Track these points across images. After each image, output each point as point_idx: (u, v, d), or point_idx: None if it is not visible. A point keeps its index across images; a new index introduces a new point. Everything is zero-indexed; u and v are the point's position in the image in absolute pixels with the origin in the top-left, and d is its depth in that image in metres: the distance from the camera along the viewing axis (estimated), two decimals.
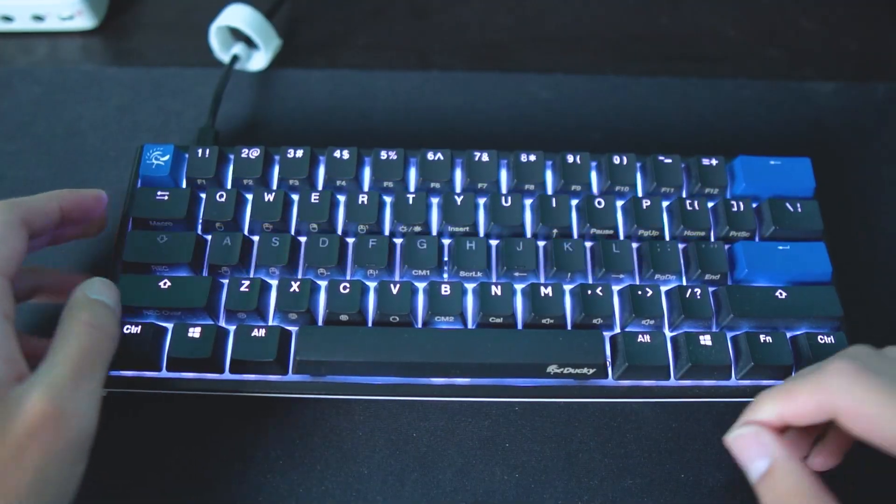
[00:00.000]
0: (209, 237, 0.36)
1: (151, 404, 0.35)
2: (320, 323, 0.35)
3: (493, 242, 0.37)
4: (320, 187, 0.38)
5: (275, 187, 0.38)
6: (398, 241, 0.37)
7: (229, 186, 0.38)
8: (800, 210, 0.38)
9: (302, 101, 0.46)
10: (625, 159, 0.39)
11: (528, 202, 0.39)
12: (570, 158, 0.39)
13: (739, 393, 0.35)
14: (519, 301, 0.36)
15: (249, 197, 0.38)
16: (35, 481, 0.24)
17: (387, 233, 0.37)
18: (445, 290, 0.35)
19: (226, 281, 0.35)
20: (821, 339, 0.35)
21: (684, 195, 0.39)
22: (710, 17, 0.51)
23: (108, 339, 0.29)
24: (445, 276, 0.36)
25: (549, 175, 0.39)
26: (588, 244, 0.37)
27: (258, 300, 0.34)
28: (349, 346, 0.33)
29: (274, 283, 0.36)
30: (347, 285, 0.35)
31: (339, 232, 0.37)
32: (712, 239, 0.38)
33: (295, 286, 0.35)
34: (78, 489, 0.26)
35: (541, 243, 0.37)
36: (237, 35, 0.46)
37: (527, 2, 0.52)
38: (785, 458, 0.26)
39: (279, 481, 0.34)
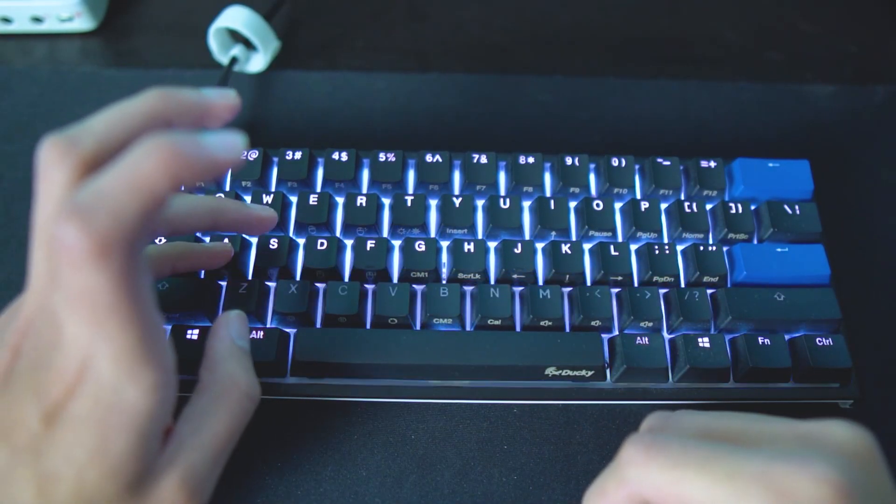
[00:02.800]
0: (207, 239, 0.36)
1: None
2: (318, 325, 0.35)
3: (492, 244, 0.37)
4: (318, 189, 0.38)
5: (273, 189, 0.38)
6: (396, 242, 0.37)
7: (227, 188, 0.38)
8: (798, 212, 0.38)
9: (300, 102, 0.46)
10: (623, 161, 0.39)
11: (526, 204, 0.39)
12: (569, 160, 0.39)
13: (737, 395, 0.35)
14: (517, 303, 0.35)
15: (247, 198, 0.38)
16: None
17: (385, 234, 0.37)
18: (444, 292, 0.35)
19: (224, 283, 0.35)
20: (819, 341, 0.35)
21: (683, 197, 0.39)
22: (709, 19, 0.51)
23: (253, 406, 0.28)
24: (444, 278, 0.36)
25: (547, 177, 0.39)
26: (586, 246, 0.37)
27: (256, 302, 0.34)
28: (347, 348, 0.33)
29: (272, 284, 0.35)
30: (345, 287, 0.35)
31: (338, 233, 0.37)
32: (711, 241, 0.38)
33: (293, 288, 0.35)
34: None
35: (539, 245, 0.37)
36: (236, 37, 0.46)
37: (526, 4, 0.52)
38: None
39: (277, 484, 0.34)
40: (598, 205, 0.38)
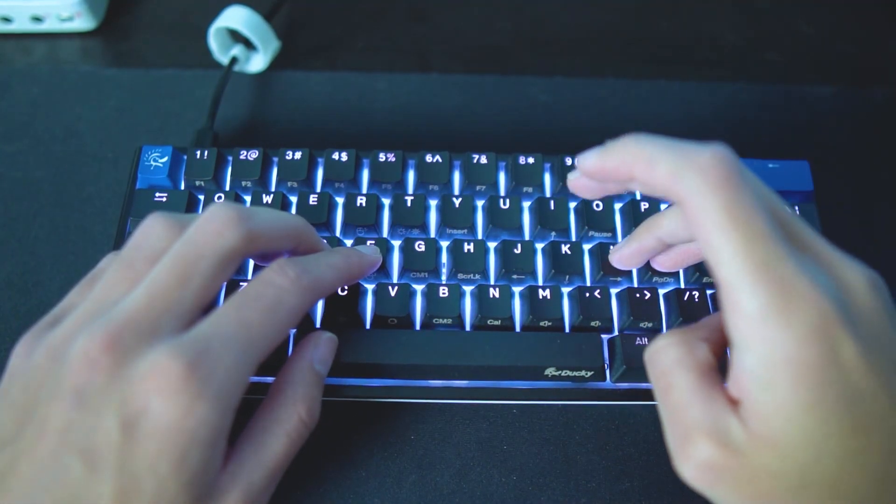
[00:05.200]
0: None
1: None
2: (317, 325, 0.35)
3: (492, 245, 0.37)
4: (318, 189, 0.38)
5: (273, 189, 0.38)
6: (396, 242, 0.37)
7: (228, 188, 0.38)
8: (798, 213, 0.38)
9: (301, 102, 0.46)
10: None
11: (526, 204, 0.39)
12: (569, 161, 0.39)
13: None
14: (517, 303, 0.36)
15: (248, 199, 0.38)
16: None
17: (385, 235, 0.37)
18: (443, 292, 0.35)
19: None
20: None
21: None
22: (709, 21, 0.51)
23: (308, 432, 0.29)
24: (444, 278, 0.36)
25: (547, 177, 0.39)
26: (586, 247, 0.37)
27: None
28: (347, 349, 0.33)
29: None
30: (345, 287, 0.35)
31: (337, 234, 0.37)
32: None
33: None
34: None
35: (539, 245, 0.37)
36: (236, 37, 0.46)
37: (526, 5, 0.52)
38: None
39: (277, 484, 0.34)
40: (597, 205, 0.38)
